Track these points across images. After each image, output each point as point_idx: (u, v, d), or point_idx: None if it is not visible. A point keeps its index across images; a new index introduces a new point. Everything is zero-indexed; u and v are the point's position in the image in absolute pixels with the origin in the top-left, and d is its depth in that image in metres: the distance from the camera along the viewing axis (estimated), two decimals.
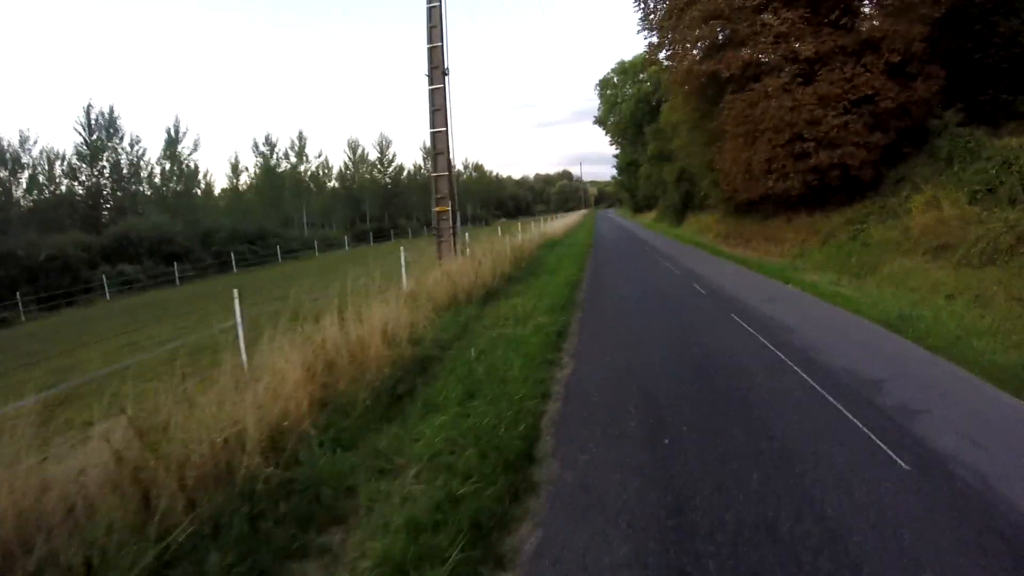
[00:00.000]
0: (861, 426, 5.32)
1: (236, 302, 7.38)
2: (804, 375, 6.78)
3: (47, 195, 50.01)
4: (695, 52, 21.16)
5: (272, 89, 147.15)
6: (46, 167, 49.75)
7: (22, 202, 49.88)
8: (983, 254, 11.08)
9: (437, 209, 15.25)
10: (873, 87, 17.04)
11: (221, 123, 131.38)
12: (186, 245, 42.06)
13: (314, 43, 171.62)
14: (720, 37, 20.21)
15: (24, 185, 49.65)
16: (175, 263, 38.24)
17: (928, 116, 17.27)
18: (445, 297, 10.93)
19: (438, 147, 15.27)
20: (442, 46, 15.23)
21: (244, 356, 6.33)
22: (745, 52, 18.70)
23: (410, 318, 8.81)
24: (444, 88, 15.21)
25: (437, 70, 15.22)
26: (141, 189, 53.77)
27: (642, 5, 24.61)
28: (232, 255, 44.00)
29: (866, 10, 18.09)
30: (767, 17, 18.52)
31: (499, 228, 23.90)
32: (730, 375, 6.98)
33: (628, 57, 70.14)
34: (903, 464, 4.58)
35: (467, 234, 18.44)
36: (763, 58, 18.97)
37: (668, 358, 7.84)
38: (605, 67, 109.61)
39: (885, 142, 17.54)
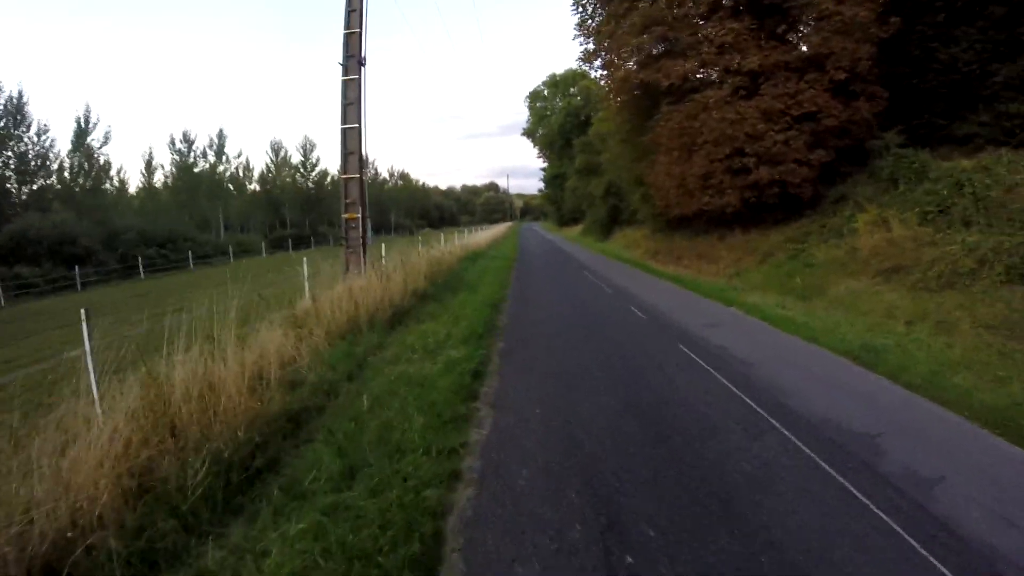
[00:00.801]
0: (877, 511, 4.06)
1: (84, 328, 5.55)
2: (785, 431, 5.49)
3: None
4: (632, 61, 20.15)
5: (192, 84, 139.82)
6: None
7: None
8: (940, 277, 10.30)
9: (346, 216, 13.48)
10: (817, 104, 16.46)
11: (136, 117, 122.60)
12: (90, 247, 38.27)
13: (238, 39, 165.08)
14: (660, 47, 19.28)
15: None
16: (76, 267, 34.56)
17: (868, 136, 16.84)
18: (344, 320, 9.19)
19: (349, 146, 13.53)
20: (360, 32, 13.55)
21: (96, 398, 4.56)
22: (685, 63, 17.82)
23: (293, 350, 7.15)
24: (359, 80, 13.52)
25: (353, 59, 13.51)
26: (49, 183, 48.95)
27: (580, 10, 23.56)
28: (139, 259, 40.39)
29: (811, 25, 17.50)
30: (710, 28, 17.73)
31: (419, 239, 22.23)
32: (696, 435, 5.56)
33: (560, 70, 70.17)
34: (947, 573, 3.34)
35: (383, 245, 16.71)
36: (704, 70, 18.18)
37: (614, 409, 6.31)
38: (533, 82, 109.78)
39: (825, 160, 16.98)
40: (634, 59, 20.13)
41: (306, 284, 11.64)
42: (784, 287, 14.49)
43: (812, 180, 17.16)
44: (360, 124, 13.51)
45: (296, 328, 8.31)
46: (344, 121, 13.55)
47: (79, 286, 33.51)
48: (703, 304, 13.09)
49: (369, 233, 13.66)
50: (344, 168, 13.59)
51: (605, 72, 23.53)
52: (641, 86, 20.57)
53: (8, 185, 44.37)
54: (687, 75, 18.07)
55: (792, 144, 16.75)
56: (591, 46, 22.99)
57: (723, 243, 20.25)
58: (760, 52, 17.12)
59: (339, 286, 10.80)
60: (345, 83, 13.56)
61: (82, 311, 5.66)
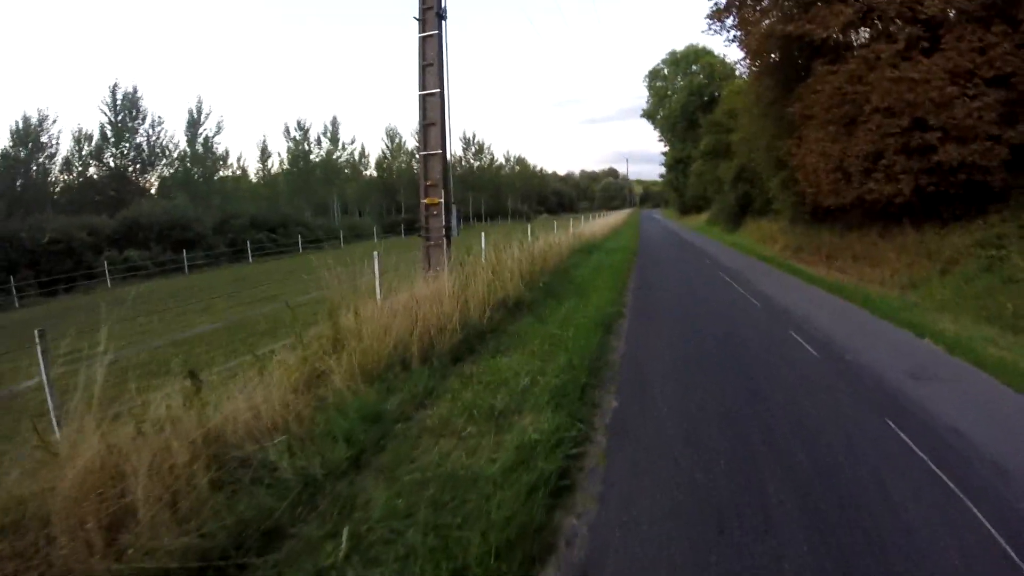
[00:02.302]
0: None
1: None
2: None
3: (77, 177, 48.56)
4: (775, 12, 16.48)
5: (308, 74, 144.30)
6: (76, 148, 48.13)
7: (59, 183, 48.56)
8: None
9: (426, 201, 11.15)
10: (1012, 63, 12.47)
11: (254, 107, 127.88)
12: (200, 232, 39.85)
13: (350, 30, 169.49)
14: None
15: (57, 167, 48.03)
16: (184, 250, 35.96)
17: None
18: (389, 347, 6.76)
19: (429, 115, 11.14)
20: None
21: None
22: (846, 7, 14.10)
23: (288, 405, 4.80)
24: (440, 36, 11.10)
25: (431, 11, 11.09)
26: (167, 172, 51.71)
27: None
28: (248, 244, 41.19)
29: None
30: None
31: (529, 227, 19.62)
32: None
33: (680, 47, 65.36)
34: None
35: (482, 234, 14.29)
36: (870, 17, 14.37)
37: None
38: (653, 62, 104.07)
39: (1017, 139, 12.91)
40: (776, 10, 16.45)
41: (377, 283, 9.49)
42: (982, 310, 10.88)
43: (1004, 164, 13.13)
44: (443, 89, 11.11)
45: (315, 358, 6.01)
46: (423, 86, 11.20)
47: (186, 269, 34.83)
48: (885, 331, 9.58)
49: (455, 222, 11.28)
50: (423, 142, 11.25)
51: (739, 33, 19.90)
52: (786, 43, 16.93)
53: (127, 174, 46.74)
54: (849, 23, 14.33)
55: (984, 116, 12.80)
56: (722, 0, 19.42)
57: (887, 242, 16.32)
58: None
59: (401, 294, 8.45)
60: (423, 40, 11.19)
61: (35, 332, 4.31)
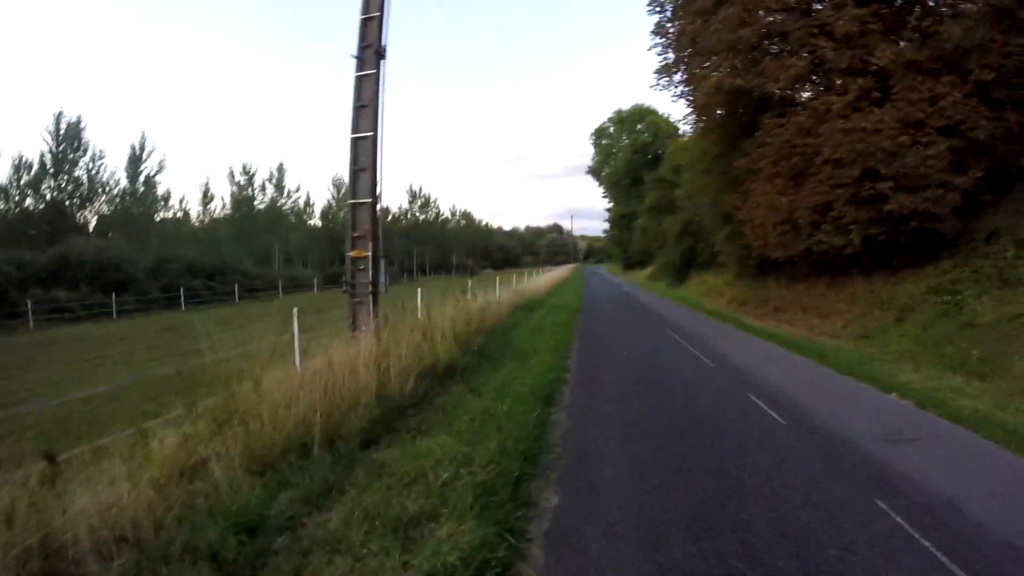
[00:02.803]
0: None
1: None
2: None
3: (13, 208, 45.12)
4: (725, 66, 16.42)
5: (256, 117, 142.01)
6: (15, 176, 44.71)
7: None
8: None
9: (352, 254, 10.15)
10: (961, 112, 12.52)
11: (198, 149, 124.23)
12: (132, 274, 37.75)
13: (300, 75, 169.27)
14: (764, 44, 15.59)
15: None
16: (114, 294, 33.86)
17: (1014, 156, 12.87)
18: (291, 425, 5.65)
19: (360, 161, 10.27)
20: (381, 17, 10.44)
21: None
22: (798, 61, 14.06)
23: (145, 508, 3.72)
24: (377, 76, 10.33)
25: (369, 49, 10.34)
26: (106, 209, 49.39)
27: (656, 9, 20.10)
28: (182, 290, 39.14)
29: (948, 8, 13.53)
30: (829, 14, 13.92)
31: (468, 283, 18.69)
32: None
33: (626, 106, 67.01)
34: None
35: (419, 290, 13.30)
36: (820, 72, 14.38)
37: None
38: (601, 120, 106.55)
39: (967, 186, 12.89)
40: (726, 64, 16.41)
41: (296, 345, 8.41)
42: (943, 357, 10.46)
43: (953, 210, 13.08)
44: (376, 133, 10.29)
45: (199, 440, 4.92)
46: (355, 129, 10.35)
47: (115, 313, 32.77)
48: (848, 388, 8.95)
49: (383, 277, 10.26)
50: (353, 190, 10.34)
51: (686, 88, 19.92)
52: (733, 98, 16.90)
53: (64, 208, 44.29)
54: (799, 76, 14.29)
55: (935, 164, 12.76)
56: (671, 55, 19.46)
57: (836, 293, 16.09)
58: (890, 45, 13.31)
59: (317, 359, 7.38)
60: (359, 80, 10.41)
61: None
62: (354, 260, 10.18)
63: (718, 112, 18.79)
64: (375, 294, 10.07)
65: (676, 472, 5.53)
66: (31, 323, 28.38)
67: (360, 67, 10.42)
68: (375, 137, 10.26)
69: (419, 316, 11.40)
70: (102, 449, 4.97)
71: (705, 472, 5.53)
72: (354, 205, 10.26)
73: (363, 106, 10.34)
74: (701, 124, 20.58)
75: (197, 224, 65.61)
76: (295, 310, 9.25)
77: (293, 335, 8.61)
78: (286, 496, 4.63)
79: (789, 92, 14.85)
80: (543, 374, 9.69)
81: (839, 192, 13.75)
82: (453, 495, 4.56)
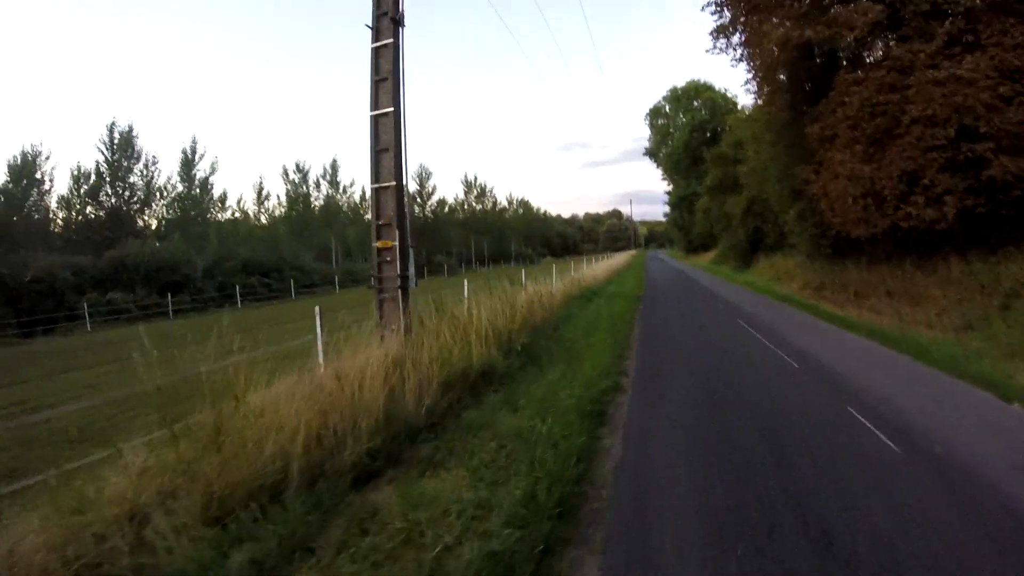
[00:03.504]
0: None
1: None
2: None
3: (76, 216, 47.50)
4: (788, 20, 14.59)
5: (308, 116, 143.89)
6: (75, 187, 47.13)
7: (57, 221, 48.07)
8: None
9: (377, 244, 9.12)
10: None
11: (254, 151, 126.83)
12: (189, 274, 38.45)
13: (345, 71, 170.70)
14: None
15: (53, 204, 47.44)
16: (169, 294, 34.54)
17: None
18: (268, 455, 4.57)
19: (382, 140, 9.21)
20: None
21: None
22: (872, 4, 12.27)
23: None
24: (396, 45, 9.26)
25: (385, 17, 9.26)
26: (165, 213, 51.21)
27: None
28: (237, 288, 39.50)
29: None
30: None
31: (522, 272, 17.46)
32: None
33: (680, 83, 64.44)
34: None
35: (465, 281, 12.24)
36: (900, 15, 12.51)
37: None
38: (655, 100, 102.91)
39: None
40: (789, 18, 14.58)
41: (319, 345, 7.53)
42: None
43: None
44: (399, 108, 9.22)
45: (160, 473, 3.96)
46: (374, 105, 9.29)
47: (171, 313, 33.39)
48: (961, 396, 7.27)
49: (412, 269, 9.18)
50: (375, 173, 9.27)
51: (747, 51, 18.09)
52: (800, 57, 15.10)
53: (122, 214, 45.56)
54: (876, 24, 12.45)
55: None
56: (727, 13, 17.66)
57: (927, 275, 14.18)
58: None
59: (343, 362, 6.32)
60: (376, 51, 9.34)
61: None
62: (379, 251, 9.15)
63: (782, 76, 16.93)
64: (404, 288, 9.03)
65: (768, 534, 4.04)
66: (88, 325, 29.01)
67: (376, 37, 9.34)
68: (397, 113, 9.18)
69: (461, 311, 10.26)
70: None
71: (804, 532, 4.05)
72: (377, 190, 9.20)
73: (382, 79, 9.27)
74: (765, 90, 18.69)
75: (257, 223, 66.72)
76: (317, 308, 8.41)
77: (319, 336, 7.78)
78: (238, 558, 3.58)
79: (865, 44, 13.00)
80: (595, 380, 8.27)
81: (931, 157, 11.92)
82: (454, 570, 3.40)
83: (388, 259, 9.07)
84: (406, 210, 9.19)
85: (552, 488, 4.49)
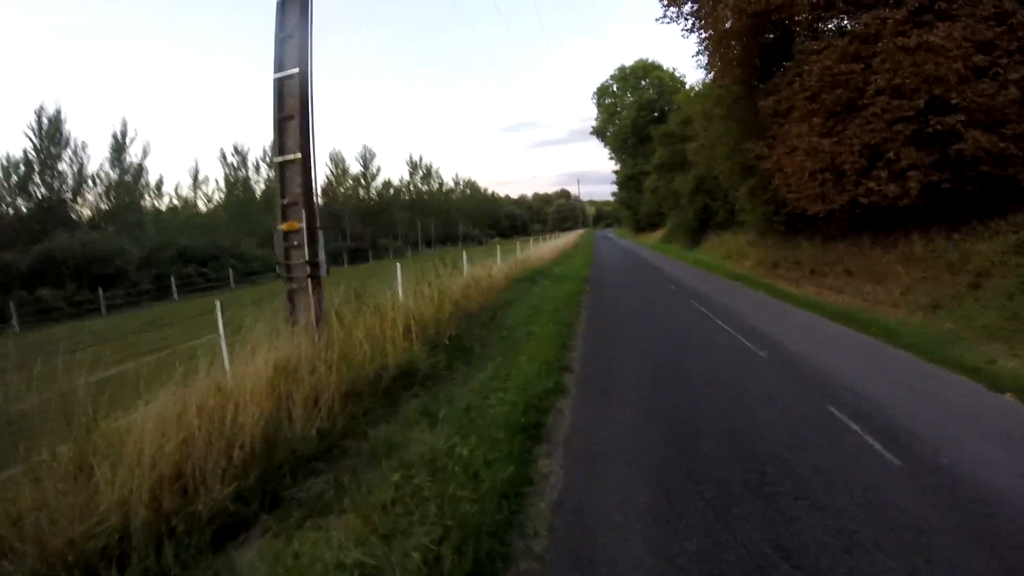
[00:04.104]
0: None
1: None
2: None
3: (7, 211, 43.26)
4: None
5: (243, 94, 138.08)
6: (3, 178, 42.54)
7: None
8: None
9: (283, 227, 7.80)
10: None
11: (186, 134, 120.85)
12: (122, 267, 35.68)
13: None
14: None
15: None
16: (100, 289, 32.03)
17: None
18: (104, 511, 3.26)
19: (287, 107, 7.84)
20: None
21: None
22: None
23: None
24: (306, 2, 7.93)
25: None
26: (95, 202, 47.43)
27: None
28: (173, 279, 37.24)
29: None
30: None
31: (464, 254, 16.26)
32: None
33: (628, 62, 63.69)
34: None
35: (398, 265, 10.99)
36: None
37: None
38: (603, 79, 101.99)
39: None
40: None
41: (223, 347, 6.26)
42: None
43: None
44: (305, 70, 7.89)
45: None
46: (279, 66, 7.94)
47: (103, 309, 31.13)
48: (945, 384, 6.54)
49: (321, 255, 7.88)
50: (279, 144, 7.93)
51: (698, 22, 17.16)
52: (756, 27, 14.24)
53: (52, 206, 42.50)
54: None
55: (1014, 94, 10.23)
56: None
57: (887, 252, 13.57)
58: None
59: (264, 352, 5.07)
60: (282, 5, 7.99)
61: None
62: (286, 235, 7.84)
63: (735, 46, 16.03)
64: (315, 277, 7.74)
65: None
66: (17, 326, 26.53)
67: None
68: (304, 75, 7.85)
69: (385, 300, 8.99)
70: None
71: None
72: (281, 165, 7.88)
73: (287, 37, 7.92)
74: (716, 63, 17.78)
75: (194, 211, 63.39)
76: (217, 304, 7.19)
77: (222, 337, 6.55)
78: None
79: (826, 8, 12.13)
80: (534, 380, 7.03)
81: (896, 129, 11.19)
82: None
83: (296, 243, 7.77)
84: (315, 187, 7.89)
85: (465, 545, 3.35)
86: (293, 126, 7.77)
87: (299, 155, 7.68)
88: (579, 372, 8.12)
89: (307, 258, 7.62)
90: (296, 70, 7.78)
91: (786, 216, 17.78)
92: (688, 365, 8.22)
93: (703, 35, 17.47)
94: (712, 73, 19.13)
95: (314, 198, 7.78)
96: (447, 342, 8.72)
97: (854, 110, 11.96)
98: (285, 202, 7.78)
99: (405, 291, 9.97)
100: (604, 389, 7.24)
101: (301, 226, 7.66)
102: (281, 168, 7.85)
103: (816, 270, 16.02)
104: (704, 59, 18.80)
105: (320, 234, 7.81)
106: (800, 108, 13.21)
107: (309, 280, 7.65)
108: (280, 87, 7.90)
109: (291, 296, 7.87)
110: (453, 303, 10.08)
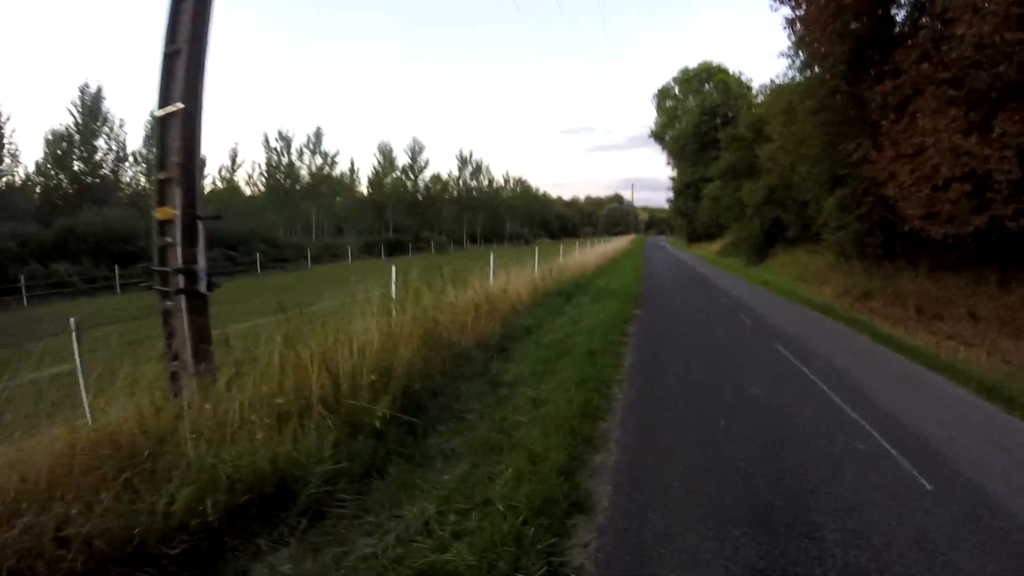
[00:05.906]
0: None
1: None
2: None
3: (51, 183, 43.84)
4: None
5: (293, 85, 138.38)
6: (49, 153, 43.26)
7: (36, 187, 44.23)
8: None
9: (158, 215, 5.04)
10: None
11: (239, 119, 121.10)
12: (143, 246, 33.80)
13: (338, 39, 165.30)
14: None
15: (21, 171, 43.43)
16: (116, 266, 30.71)
17: None
18: None
19: (180, 37, 5.09)
20: None
21: None
22: None
23: None
24: None
25: None
26: (134, 180, 48.12)
27: None
28: None
29: None
30: None
31: (491, 255, 13.33)
32: None
33: (692, 64, 59.90)
34: None
35: (393, 268, 8.17)
36: None
37: None
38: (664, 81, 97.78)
39: None
40: None
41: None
42: None
43: None
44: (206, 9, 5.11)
45: None
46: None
47: (118, 288, 29.92)
48: None
49: (202, 260, 5.03)
50: (164, 91, 5.12)
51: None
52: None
53: (90, 182, 43.18)
54: None
55: None
56: None
57: None
58: None
59: None
60: None
61: None
62: (162, 226, 5.05)
63: (845, 13, 12.56)
64: (190, 293, 4.93)
65: None
66: (24, 300, 25.80)
67: None
68: (202, 17, 5.08)
69: (316, 332, 5.99)
70: None
71: None
72: (163, 120, 5.10)
73: None
74: (814, 43, 14.32)
75: (236, 194, 62.57)
76: (72, 321, 4.63)
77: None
78: None
79: None
80: (511, 533, 3.51)
81: None
82: None
83: (170, 240, 4.98)
84: (199, 153, 5.05)
85: None
86: (179, 64, 4.98)
87: (181, 105, 4.89)
88: (611, 513, 4.05)
89: (180, 263, 4.83)
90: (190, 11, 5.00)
91: (884, 236, 14.39)
92: (795, 476, 4.72)
93: (800, 12, 14.16)
94: (806, 56, 15.72)
95: (196, 172, 4.97)
96: (378, 424, 4.90)
97: (1018, 98, 8.59)
98: (162, 176, 4.99)
99: (358, 313, 6.78)
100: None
101: (176, 214, 4.87)
102: (162, 125, 5.07)
103: (924, 309, 12.52)
104: (796, 38, 15.49)
105: (201, 228, 4.97)
106: (932, 96, 9.87)
107: (183, 298, 4.86)
108: (176, 11, 5.12)
109: (166, 319, 5.10)
110: (421, 337, 6.81)
